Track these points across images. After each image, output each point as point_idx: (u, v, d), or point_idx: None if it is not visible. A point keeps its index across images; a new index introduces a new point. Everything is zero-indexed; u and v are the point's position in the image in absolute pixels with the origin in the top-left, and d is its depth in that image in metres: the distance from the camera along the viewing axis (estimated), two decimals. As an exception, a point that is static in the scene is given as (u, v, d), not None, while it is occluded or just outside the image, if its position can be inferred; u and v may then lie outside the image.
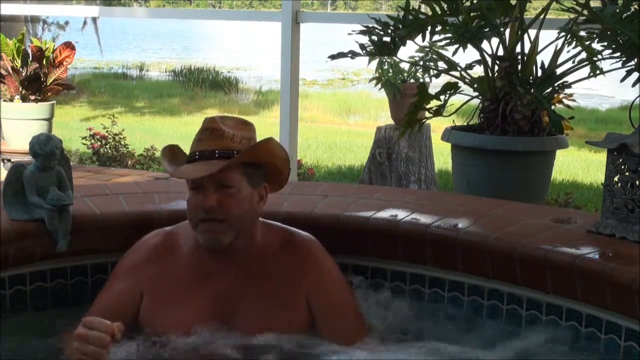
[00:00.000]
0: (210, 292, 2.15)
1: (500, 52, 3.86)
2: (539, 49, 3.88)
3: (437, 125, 5.92)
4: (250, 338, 2.09)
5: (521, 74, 3.81)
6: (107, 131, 7.24)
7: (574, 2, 3.73)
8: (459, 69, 3.96)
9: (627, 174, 2.35)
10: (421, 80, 5.96)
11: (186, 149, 2.20)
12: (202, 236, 2.13)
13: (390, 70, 5.98)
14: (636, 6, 3.56)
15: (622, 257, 2.16)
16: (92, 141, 7.16)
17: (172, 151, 2.20)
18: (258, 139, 2.17)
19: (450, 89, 3.87)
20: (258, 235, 2.20)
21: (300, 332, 2.14)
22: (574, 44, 3.80)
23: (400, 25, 3.80)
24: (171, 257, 2.20)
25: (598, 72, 3.72)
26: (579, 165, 8.96)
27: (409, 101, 4.16)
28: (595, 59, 3.69)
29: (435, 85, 5.03)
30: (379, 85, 6.06)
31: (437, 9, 3.85)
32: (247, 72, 19.46)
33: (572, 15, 3.77)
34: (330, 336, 2.14)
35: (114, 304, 2.17)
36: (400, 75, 6.02)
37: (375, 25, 3.85)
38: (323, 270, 2.22)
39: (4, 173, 2.66)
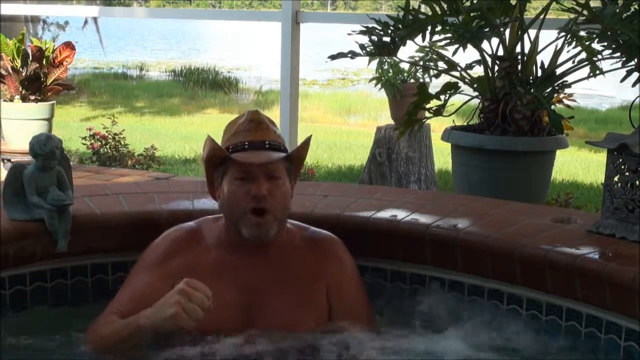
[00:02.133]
0: (235, 286, 2.15)
1: (500, 52, 3.86)
2: (539, 49, 3.88)
3: (437, 125, 5.92)
4: (273, 333, 2.10)
5: (521, 74, 3.81)
6: (107, 131, 7.24)
7: (574, 2, 3.73)
8: (459, 69, 3.96)
9: (627, 174, 2.35)
10: (421, 80, 5.96)
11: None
12: (249, 229, 2.12)
13: (390, 70, 5.98)
14: (636, 6, 3.56)
15: (622, 257, 2.16)
16: (92, 141, 7.16)
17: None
18: None
19: (450, 89, 3.87)
20: (284, 230, 2.22)
21: (323, 328, 2.15)
22: (574, 44, 3.80)
23: (400, 25, 3.81)
24: (196, 251, 2.20)
25: (598, 72, 3.72)
26: (579, 165, 8.96)
27: (409, 101, 4.16)
28: (595, 59, 3.69)
29: (435, 85, 5.03)
30: (379, 85, 6.06)
31: (437, 9, 3.85)
32: (247, 72, 19.45)
33: (572, 15, 3.77)
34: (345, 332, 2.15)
35: (148, 293, 2.11)
36: (400, 75, 6.02)
37: (375, 25, 3.85)
38: (343, 269, 2.24)
39: (4, 173, 2.66)
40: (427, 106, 3.99)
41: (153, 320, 1.95)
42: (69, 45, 5.68)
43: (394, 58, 4.29)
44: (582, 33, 3.75)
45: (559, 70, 3.83)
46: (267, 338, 2.09)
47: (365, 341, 2.13)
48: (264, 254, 2.18)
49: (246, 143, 2.12)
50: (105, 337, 2.06)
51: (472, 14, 3.79)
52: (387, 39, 3.85)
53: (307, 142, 2.22)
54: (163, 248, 2.22)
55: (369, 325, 2.22)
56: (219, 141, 2.18)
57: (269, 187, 2.10)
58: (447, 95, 3.91)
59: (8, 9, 6.82)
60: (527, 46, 3.88)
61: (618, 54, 3.56)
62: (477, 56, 3.91)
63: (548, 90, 3.70)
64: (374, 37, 3.86)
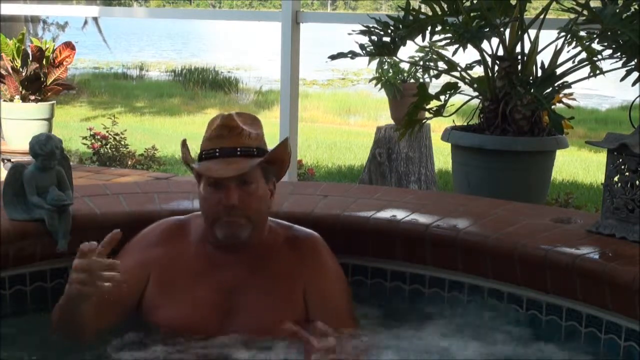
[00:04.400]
0: (215, 283, 2.16)
1: (500, 52, 3.86)
2: (539, 49, 3.88)
3: (437, 125, 5.92)
4: (249, 333, 2.10)
5: (521, 74, 3.81)
6: (107, 131, 7.24)
7: (574, 2, 3.73)
8: (459, 69, 3.96)
9: (627, 174, 2.35)
10: (421, 80, 5.96)
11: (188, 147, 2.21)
12: (222, 232, 2.13)
13: (390, 70, 5.98)
14: (636, 6, 3.56)
15: (622, 257, 2.16)
16: (93, 141, 7.16)
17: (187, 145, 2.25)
18: None
19: (450, 89, 3.87)
20: (265, 230, 2.22)
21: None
22: (574, 44, 3.80)
23: (400, 25, 3.81)
24: (179, 245, 2.22)
25: (598, 72, 3.72)
26: (579, 165, 8.96)
27: (409, 101, 4.16)
28: (595, 59, 3.69)
29: (435, 85, 5.03)
30: (379, 85, 6.06)
31: (437, 9, 3.85)
32: (247, 72, 19.46)
33: (572, 15, 3.77)
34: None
35: (125, 279, 2.12)
36: (400, 75, 6.02)
37: (375, 26, 3.85)
38: (321, 268, 2.23)
39: (4, 173, 2.66)
40: (427, 106, 3.99)
41: (71, 296, 1.98)
42: (69, 45, 5.68)
43: (394, 58, 4.29)
44: (582, 33, 3.75)
45: (559, 70, 3.82)
46: (240, 336, 2.09)
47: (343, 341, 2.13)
48: (243, 254, 2.18)
49: (217, 150, 2.12)
50: (57, 307, 2.09)
51: (472, 14, 3.79)
52: (387, 39, 3.85)
53: (282, 145, 2.19)
54: (149, 236, 2.26)
55: (349, 324, 2.20)
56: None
57: (240, 194, 2.10)
58: (447, 95, 3.91)
59: (8, 9, 6.81)
60: (527, 46, 3.88)
61: (618, 54, 3.56)
62: (477, 56, 3.91)
63: (548, 90, 3.70)
64: (374, 37, 3.86)
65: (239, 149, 2.12)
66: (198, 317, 2.13)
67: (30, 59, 5.57)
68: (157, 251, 2.21)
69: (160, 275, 2.19)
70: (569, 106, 4.87)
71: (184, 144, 2.22)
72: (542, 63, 3.87)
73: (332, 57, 3.91)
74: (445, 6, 3.82)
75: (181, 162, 8.37)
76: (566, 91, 4.28)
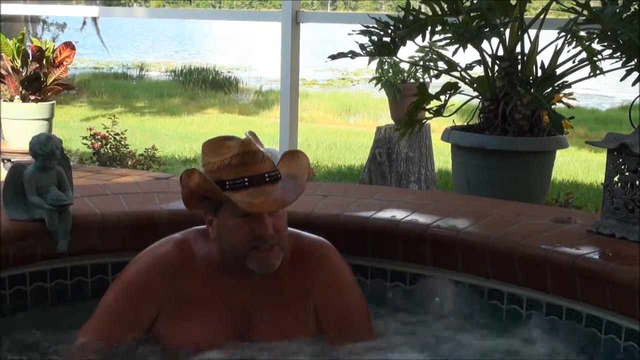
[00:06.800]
0: (227, 307, 2.11)
1: (500, 52, 3.86)
2: (539, 49, 3.88)
3: (437, 125, 5.92)
4: (267, 352, 2.06)
5: (521, 74, 3.81)
6: (107, 131, 7.24)
7: (574, 2, 3.73)
8: (459, 69, 3.96)
9: (627, 174, 2.35)
10: (421, 80, 5.96)
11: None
12: (257, 264, 2.05)
13: (390, 70, 5.98)
14: (636, 6, 3.56)
15: (622, 257, 2.17)
16: (93, 141, 7.16)
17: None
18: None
19: (450, 89, 3.87)
20: None
21: (317, 342, 2.12)
22: (574, 44, 3.80)
23: (400, 25, 3.81)
24: (187, 271, 2.12)
25: (598, 72, 3.72)
26: (579, 165, 8.96)
27: (409, 101, 4.16)
28: (595, 59, 3.69)
29: (435, 85, 5.03)
30: (379, 85, 6.06)
31: (437, 9, 3.85)
32: (247, 72, 19.47)
33: (572, 15, 3.77)
34: (339, 343, 2.13)
35: (134, 317, 2.12)
36: (400, 75, 6.02)
37: (375, 26, 3.85)
38: (332, 282, 2.18)
39: (4, 173, 2.66)
40: (427, 106, 3.99)
41: None
42: (69, 45, 5.67)
43: (394, 58, 4.29)
44: (582, 33, 3.75)
45: (559, 70, 3.83)
46: (258, 357, 2.07)
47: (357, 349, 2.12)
48: (254, 275, 2.10)
49: (246, 179, 2.01)
50: None
51: (472, 14, 3.79)
52: (387, 39, 3.85)
53: (307, 169, 2.12)
54: (153, 270, 2.13)
55: (366, 334, 2.18)
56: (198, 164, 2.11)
57: (273, 222, 2.03)
58: (447, 95, 3.91)
59: (8, 9, 6.81)
60: (527, 46, 3.88)
61: (618, 54, 3.56)
62: (477, 56, 3.91)
63: (548, 90, 3.70)
64: (374, 37, 3.86)
65: (267, 175, 2.03)
66: (212, 341, 2.07)
67: (30, 59, 5.56)
68: (165, 285, 2.10)
69: (171, 309, 2.10)
70: (569, 106, 4.87)
71: (201, 175, 2.01)
72: (542, 63, 3.87)
73: (332, 57, 3.91)
74: (445, 6, 3.82)
75: (181, 161, 8.34)
76: (566, 91, 4.27)
